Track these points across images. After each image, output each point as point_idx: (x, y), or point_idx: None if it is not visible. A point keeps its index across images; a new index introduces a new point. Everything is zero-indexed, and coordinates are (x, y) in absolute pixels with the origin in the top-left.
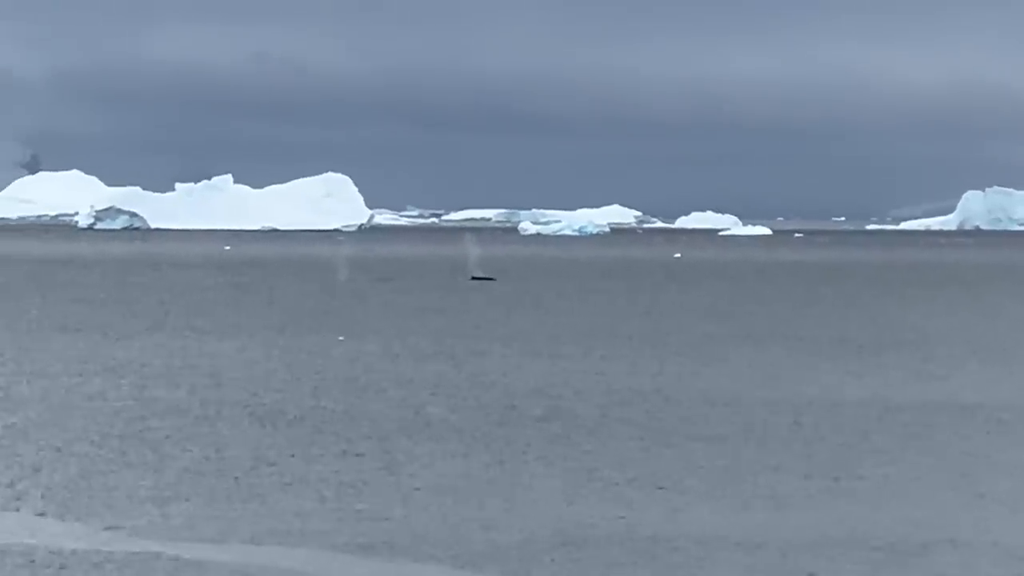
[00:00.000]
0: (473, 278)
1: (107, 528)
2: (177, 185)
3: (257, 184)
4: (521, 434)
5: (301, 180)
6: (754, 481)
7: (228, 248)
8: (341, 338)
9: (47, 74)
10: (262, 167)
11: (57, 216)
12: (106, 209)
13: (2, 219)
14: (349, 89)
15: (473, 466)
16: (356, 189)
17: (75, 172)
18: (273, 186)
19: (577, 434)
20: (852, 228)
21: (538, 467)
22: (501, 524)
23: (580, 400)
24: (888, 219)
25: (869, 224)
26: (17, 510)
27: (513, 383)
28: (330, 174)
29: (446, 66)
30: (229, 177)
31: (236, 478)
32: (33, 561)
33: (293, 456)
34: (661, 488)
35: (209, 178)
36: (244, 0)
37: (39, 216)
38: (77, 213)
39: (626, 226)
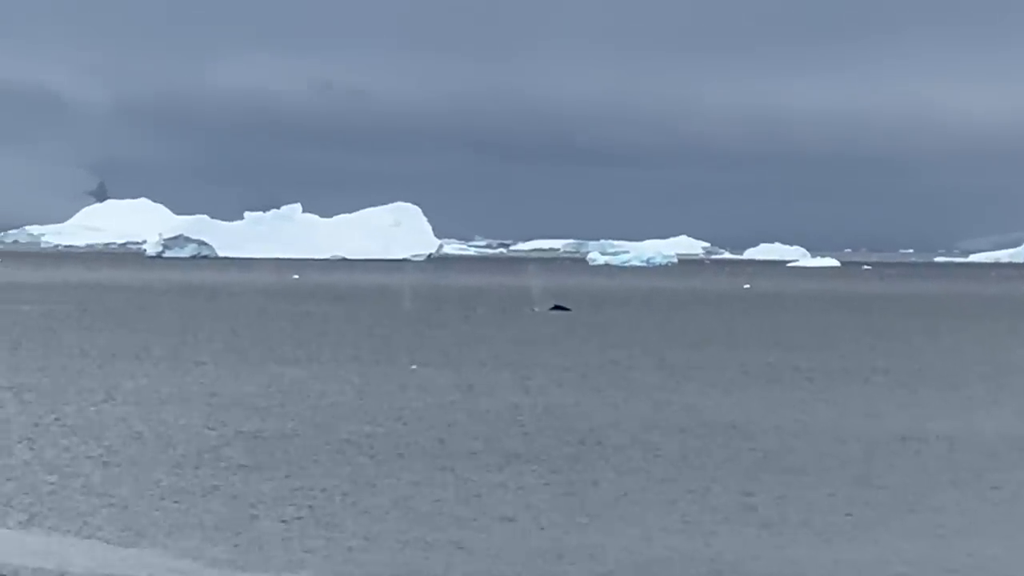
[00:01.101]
0: (554, 307)
1: (180, 556)
2: (246, 214)
3: (326, 213)
4: (598, 465)
5: (370, 209)
6: (831, 514)
7: (297, 277)
8: (414, 367)
9: (111, 102)
10: (330, 196)
11: (125, 244)
12: (174, 237)
13: (70, 246)
14: (414, 118)
15: (549, 497)
16: (425, 219)
17: (143, 200)
18: (342, 215)
19: (654, 465)
20: (920, 260)
21: (615, 498)
22: (577, 556)
23: (656, 431)
24: (956, 251)
25: (937, 256)
26: (90, 537)
27: (589, 414)
28: (399, 203)
29: (511, 96)
30: (298, 206)
31: (310, 507)
32: None
33: (369, 485)
34: (739, 520)
35: (278, 207)
36: (307, 29)
37: (107, 244)
38: (145, 241)
39: (694, 257)
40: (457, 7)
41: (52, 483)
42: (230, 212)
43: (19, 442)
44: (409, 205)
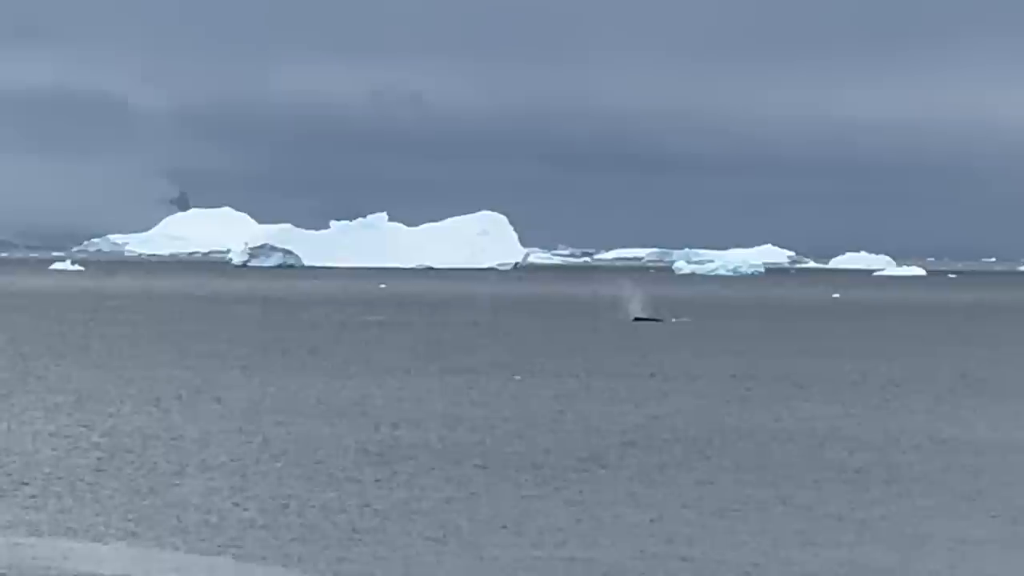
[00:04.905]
0: (646, 318)
1: (284, 567)
2: (332, 223)
3: (412, 222)
4: (707, 474)
5: (457, 218)
6: (931, 523)
7: (384, 286)
8: (517, 377)
9: (178, 110)
10: (414, 205)
11: (208, 253)
12: (260, 246)
13: (153, 255)
14: (485, 125)
15: (661, 507)
16: (511, 228)
17: (226, 209)
18: (428, 224)
19: (759, 473)
20: (1004, 268)
21: (721, 506)
22: (686, 564)
23: (759, 440)
24: None
25: (1021, 265)
26: (201, 553)
27: (693, 423)
28: (485, 212)
29: (580, 104)
30: (384, 215)
31: (417, 518)
32: None
33: (478, 497)
34: (847, 530)
35: (363, 216)
36: (370, 35)
37: (190, 253)
38: (229, 250)
39: (780, 266)
40: (524, 15)
41: (156, 494)
42: (313, 221)
43: (123, 452)
44: (495, 214)
